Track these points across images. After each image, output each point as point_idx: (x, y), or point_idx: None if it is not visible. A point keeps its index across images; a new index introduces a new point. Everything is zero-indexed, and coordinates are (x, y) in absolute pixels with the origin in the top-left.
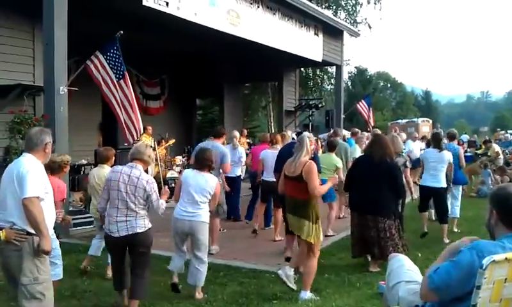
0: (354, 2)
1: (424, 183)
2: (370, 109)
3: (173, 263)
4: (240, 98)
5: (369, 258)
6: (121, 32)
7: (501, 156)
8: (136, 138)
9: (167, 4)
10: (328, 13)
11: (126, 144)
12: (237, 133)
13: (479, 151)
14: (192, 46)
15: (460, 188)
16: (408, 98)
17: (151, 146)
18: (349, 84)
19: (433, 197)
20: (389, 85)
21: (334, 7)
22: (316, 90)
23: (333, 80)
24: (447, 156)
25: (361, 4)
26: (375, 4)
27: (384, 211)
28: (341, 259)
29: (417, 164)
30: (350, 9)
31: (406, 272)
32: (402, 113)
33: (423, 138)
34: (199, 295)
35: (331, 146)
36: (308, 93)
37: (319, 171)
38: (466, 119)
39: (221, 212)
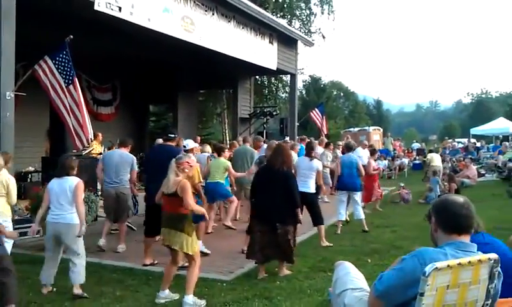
0: (308, 12)
1: None
2: (324, 117)
3: (44, 274)
4: (195, 105)
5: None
6: (71, 36)
7: (435, 164)
8: (85, 145)
9: (120, 9)
10: (283, 22)
11: (75, 150)
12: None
13: (426, 159)
14: (146, 52)
15: (359, 194)
16: (360, 107)
17: (101, 153)
18: (304, 93)
19: (304, 201)
20: (342, 94)
21: (289, 16)
22: (271, 98)
23: (287, 89)
24: (316, 164)
25: (315, 14)
26: (328, 14)
27: (282, 218)
28: (292, 266)
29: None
30: (304, 19)
31: (351, 279)
32: (354, 122)
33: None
34: (77, 290)
35: (218, 151)
36: (263, 100)
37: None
38: (416, 127)
39: (130, 214)
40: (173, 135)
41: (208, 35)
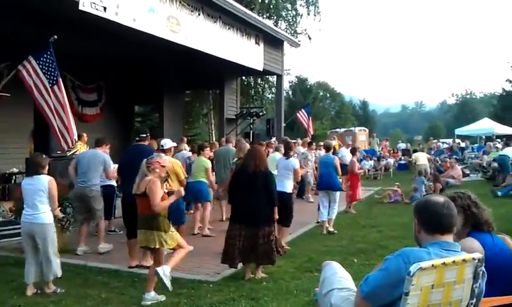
0: (294, 13)
1: None
2: (310, 117)
3: (26, 275)
4: (181, 106)
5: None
6: (56, 36)
7: (421, 163)
8: (70, 146)
9: (105, 9)
10: (269, 23)
11: (59, 151)
12: None
13: (412, 159)
14: (131, 52)
15: (337, 194)
16: (346, 107)
17: None
18: (290, 93)
19: (279, 201)
20: (328, 95)
21: (275, 17)
22: (257, 99)
23: (274, 89)
24: (292, 163)
25: (301, 15)
26: (314, 15)
27: (263, 219)
28: (279, 267)
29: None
30: (290, 20)
31: (338, 279)
32: (340, 122)
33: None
34: (48, 289)
35: (200, 149)
36: (249, 101)
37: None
38: (402, 128)
39: (99, 215)
40: (144, 135)
41: (194, 35)
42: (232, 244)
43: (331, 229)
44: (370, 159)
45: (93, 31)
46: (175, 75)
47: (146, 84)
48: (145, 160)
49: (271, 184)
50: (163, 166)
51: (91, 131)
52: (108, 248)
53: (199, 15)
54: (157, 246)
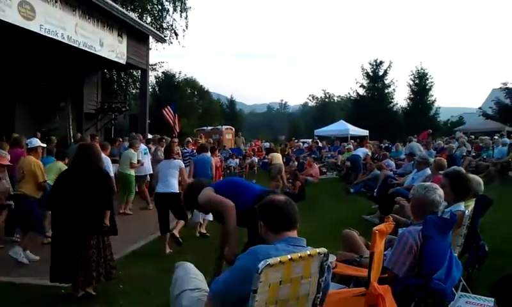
0: (160, 7)
1: (159, 190)
2: (176, 115)
3: None
4: (36, 99)
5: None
6: None
7: (276, 162)
8: None
9: None
10: (133, 15)
11: None
12: None
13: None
14: None
15: None
16: (214, 105)
17: None
18: (157, 89)
19: (168, 202)
20: (196, 92)
21: (140, 10)
22: (121, 93)
23: (138, 84)
24: (177, 164)
25: (168, 11)
26: (181, 12)
27: (94, 227)
28: (139, 268)
29: None
30: (156, 15)
31: (191, 279)
32: (208, 120)
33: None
34: None
35: (58, 155)
36: (112, 96)
37: None
38: (267, 127)
39: None
40: None
41: (50, 24)
42: (57, 256)
43: (204, 231)
44: (236, 157)
45: None
46: (29, 66)
47: None
48: None
49: (108, 187)
50: None
51: None
52: None
53: (56, 2)
54: None
